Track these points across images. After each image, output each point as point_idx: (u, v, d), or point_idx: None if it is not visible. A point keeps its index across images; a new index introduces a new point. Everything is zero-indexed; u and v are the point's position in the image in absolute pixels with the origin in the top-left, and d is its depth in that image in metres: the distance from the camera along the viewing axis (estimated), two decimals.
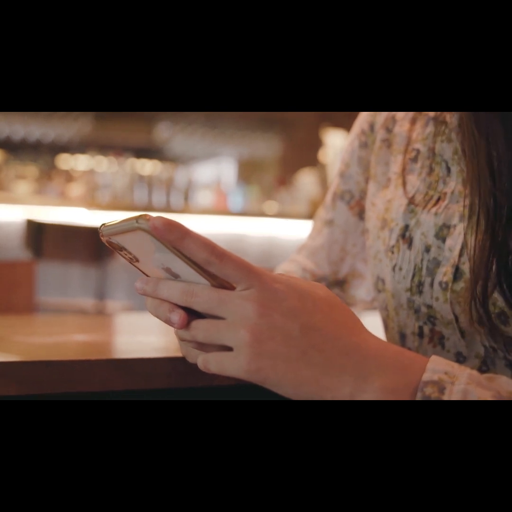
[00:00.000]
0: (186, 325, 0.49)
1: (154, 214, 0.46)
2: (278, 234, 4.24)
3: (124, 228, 0.47)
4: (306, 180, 4.44)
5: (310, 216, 4.11)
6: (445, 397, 0.45)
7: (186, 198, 4.49)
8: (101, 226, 0.48)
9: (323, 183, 4.32)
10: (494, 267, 0.54)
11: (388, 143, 0.71)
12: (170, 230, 0.45)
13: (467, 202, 0.57)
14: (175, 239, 0.45)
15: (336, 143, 4.17)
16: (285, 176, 4.97)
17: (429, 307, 0.61)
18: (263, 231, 4.24)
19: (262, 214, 4.34)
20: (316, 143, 4.53)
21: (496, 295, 0.55)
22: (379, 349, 0.48)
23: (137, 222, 0.45)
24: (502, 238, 0.54)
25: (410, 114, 0.69)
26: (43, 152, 5.97)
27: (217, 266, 0.46)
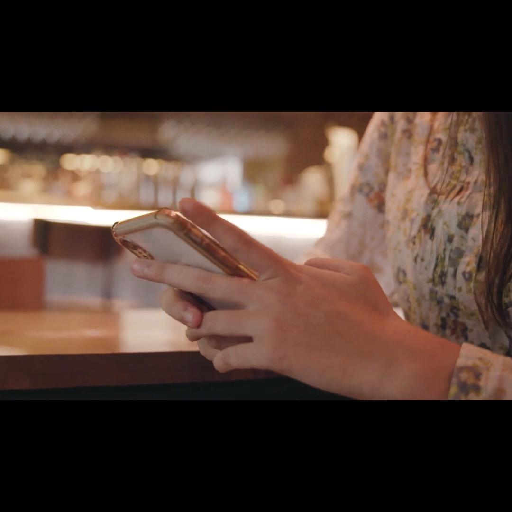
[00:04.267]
0: (200, 324, 0.47)
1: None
2: (285, 233, 4.24)
3: (141, 225, 0.46)
4: (312, 179, 4.43)
5: (316, 215, 4.11)
6: (481, 383, 0.44)
7: (192, 197, 4.49)
8: (114, 224, 0.47)
9: (330, 182, 4.31)
10: None
11: (408, 133, 0.70)
12: (200, 213, 0.44)
13: (491, 191, 0.56)
14: (204, 222, 0.44)
15: (342, 142, 4.17)
16: (291, 175, 4.96)
17: (452, 298, 0.60)
18: (269, 230, 4.24)
19: (268, 213, 4.33)
20: (322, 142, 4.52)
21: None
22: (406, 335, 0.46)
23: (155, 217, 0.44)
24: None
25: None
26: (48, 152, 5.97)
27: (243, 253, 0.45)
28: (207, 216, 0.44)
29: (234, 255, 0.46)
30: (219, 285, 0.46)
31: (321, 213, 4.06)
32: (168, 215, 0.44)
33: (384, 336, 0.46)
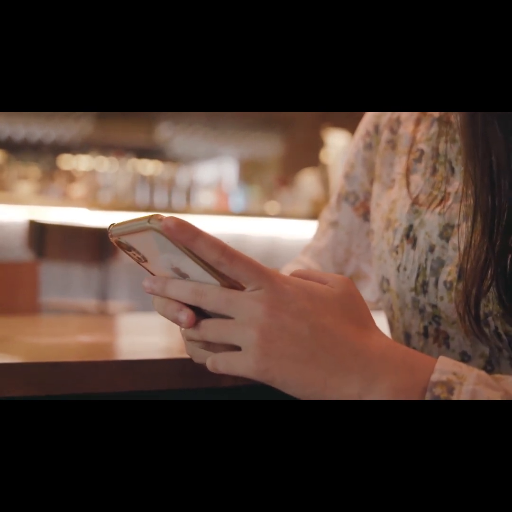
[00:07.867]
0: (194, 325, 0.49)
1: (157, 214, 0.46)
2: (280, 234, 4.24)
3: (135, 228, 0.47)
4: (308, 180, 4.44)
5: (311, 216, 4.11)
6: (454, 398, 0.45)
7: (187, 198, 4.49)
8: (110, 226, 0.49)
9: (325, 183, 4.32)
10: (490, 270, 0.54)
11: (392, 144, 0.71)
12: (182, 230, 0.45)
13: (468, 202, 0.58)
14: (187, 239, 0.45)
15: (337, 143, 4.17)
16: (286, 176, 4.96)
17: (434, 306, 0.61)
18: (264, 231, 4.25)
19: (263, 214, 4.34)
20: (317, 143, 4.53)
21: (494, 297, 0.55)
22: (387, 350, 0.48)
23: (148, 222, 0.46)
24: (501, 240, 0.54)
25: (415, 115, 0.69)
26: (44, 153, 5.96)
27: (227, 266, 0.46)
28: (190, 233, 0.45)
29: (218, 269, 0.47)
30: (210, 298, 0.47)
31: (316, 214, 4.06)
32: (161, 220, 0.45)
33: (366, 351, 0.47)
